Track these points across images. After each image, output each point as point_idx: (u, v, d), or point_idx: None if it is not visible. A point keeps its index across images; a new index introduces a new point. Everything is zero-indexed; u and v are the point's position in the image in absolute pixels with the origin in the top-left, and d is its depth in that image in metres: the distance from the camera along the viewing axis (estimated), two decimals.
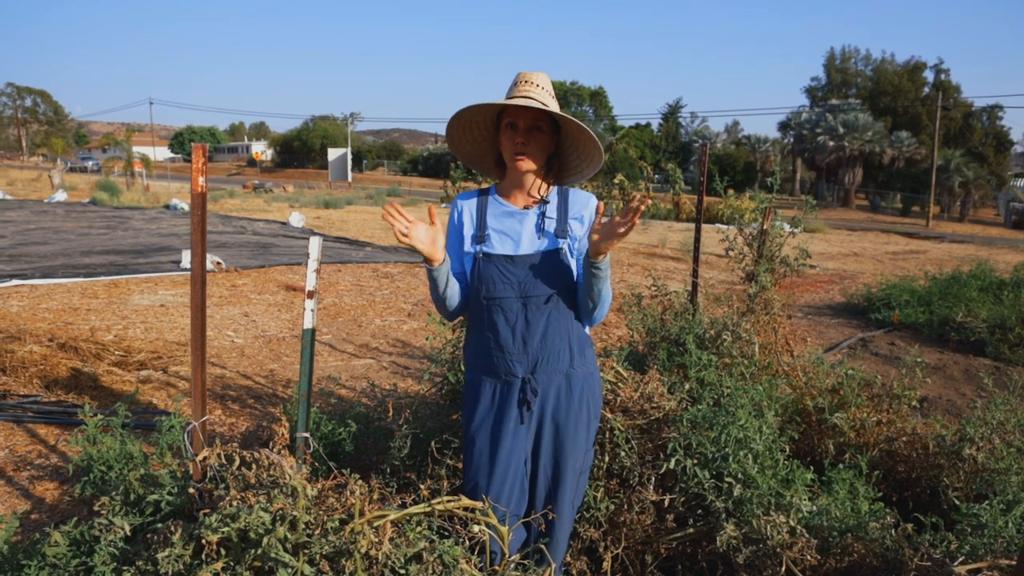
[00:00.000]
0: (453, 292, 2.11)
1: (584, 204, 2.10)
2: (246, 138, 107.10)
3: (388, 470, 2.98)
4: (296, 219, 17.78)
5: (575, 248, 2.07)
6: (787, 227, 4.31)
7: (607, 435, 2.55)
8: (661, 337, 3.68)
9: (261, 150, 76.85)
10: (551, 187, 2.12)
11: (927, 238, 26.37)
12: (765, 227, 4.04)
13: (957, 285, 8.91)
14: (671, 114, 67.18)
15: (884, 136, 47.28)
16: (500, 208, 2.10)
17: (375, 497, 1.76)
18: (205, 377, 1.93)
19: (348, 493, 1.69)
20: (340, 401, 4.33)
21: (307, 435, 2.12)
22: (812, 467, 2.85)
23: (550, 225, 2.05)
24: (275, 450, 1.90)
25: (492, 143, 2.16)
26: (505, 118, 2.03)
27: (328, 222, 19.04)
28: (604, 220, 1.88)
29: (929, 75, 55.30)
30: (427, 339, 3.25)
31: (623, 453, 2.46)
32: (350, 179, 46.87)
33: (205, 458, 1.87)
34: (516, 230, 2.06)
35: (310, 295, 2.02)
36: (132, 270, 9.46)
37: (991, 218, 45.78)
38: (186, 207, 21.89)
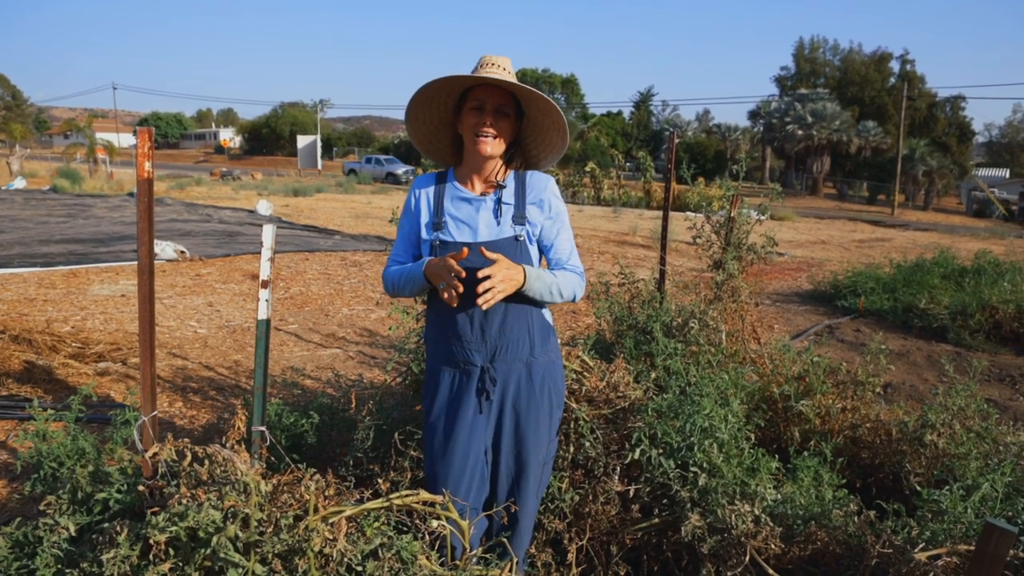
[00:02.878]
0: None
1: (543, 188, 2.05)
2: (214, 125, 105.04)
3: (351, 462, 2.92)
4: (264, 207, 17.50)
5: (534, 234, 2.03)
6: (754, 214, 4.32)
7: (572, 425, 2.52)
8: (628, 325, 3.67)
9: (229, 137, 75.52)
10: (508, 172, 2.07)
11: (892, 226, 26.83)
12: (732, 215, 4.04)
13: (921, 272, 9.06)
14: (642, 102, 67.31)
15: (852, 125, 47.95)
16: (457, 193, 2.04)
17: (331, 492, 1.71)
18: (154, 370, 1.86)
19: (303, 489, 1.63)
20: (304, 392, 4.26)
21: (263, 428, 2.06)
22: (778, 455, 2.86)
23: (507, 211, 2.00)
24: (229, 445, 1.83)
25: (449, 126, 2.10)
26: (469, 101, 1.97)
27: (297, 210, 18.77)
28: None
29: (895, 65, 56.20)
30: (390, 328, 3.19)
31: (588, 443, 2.43)
32: (320, 166, 46.31)
33: (155, 454, 1.80)
34: (473, 217, 2.01)
35: (264, 284, 1.95)
36: (93, 259, 9.22)
37: (954, 207, 46.73)
38: None
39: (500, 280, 1.80)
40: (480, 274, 1.78)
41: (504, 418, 2.02)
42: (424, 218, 2.04)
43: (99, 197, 20.94)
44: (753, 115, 54.41)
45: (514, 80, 1.94)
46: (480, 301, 1.77)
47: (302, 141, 47.25)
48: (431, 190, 2.07)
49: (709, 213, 4.13)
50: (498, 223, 1.99)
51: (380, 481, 2.75)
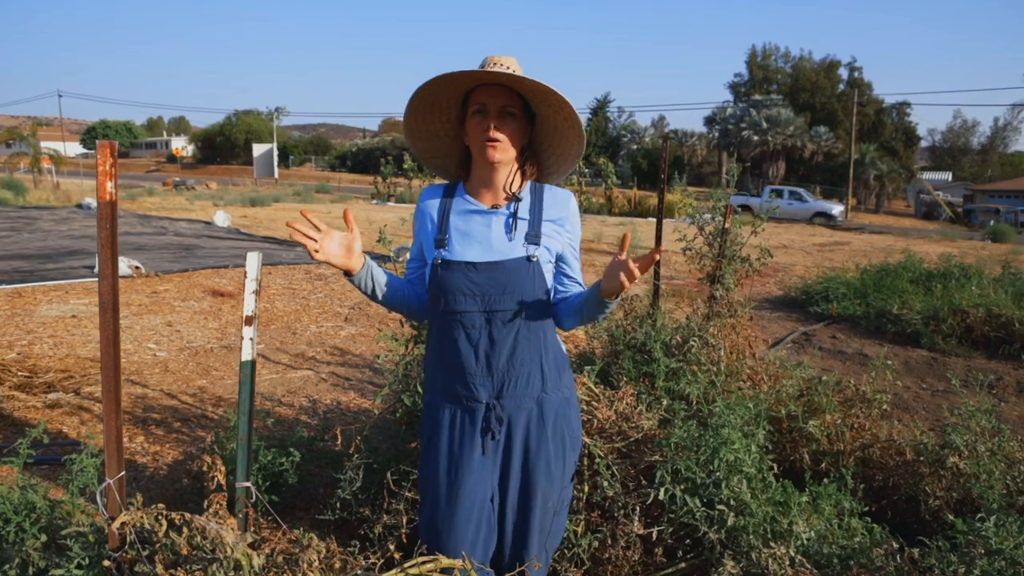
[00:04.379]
0: (399, 295, 1.85)
1: (563, 205, 1.83)
2: (165, 133, 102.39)
3: (338, 504, 2.68)
4: (221, 218, 16.95)
5: (549, 256, 1.80)
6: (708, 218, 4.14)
7: (585, 462, 2.32)
8: (626, 344, 3.49)
9: (181, 146, 73.66)
10: (524, 183, 1.84)
11: (848, 229, 27.37)
12: (726, 226, 3.90)
13: (890, 277, 9.13)
14: (599, 109, 67.72)
15: (805, 131, 49.04)
16: (465, 207, 1.81)
17: (336, 565, 1.47)
18: (120, 424, 1.60)
19: (304, 565, 1.39)
20: (278, 422, 3.97)
21: (248, 484, 1.81)
22: (790, 478, 2.71)
23: (522, 227, 1.77)
24: (212, 510, 1.58)
25: (455, 138, 1.87)
26: (472, 104, 1.75)
27: (255, 221, 18.25)
28: (621, 258, 1.60)
29: (844, 72, 57.74)
30: (379, 357, 2.94)
31: (605, 483, 2.23)
32: (276, 175, 45.42)
33: (123, 524, 1.54)
34: (482, 233, 1.76)
35: (248, 321, 1.70)
36: (39, 277, 8.70)
37: (903, 209, 48.12)
38: None
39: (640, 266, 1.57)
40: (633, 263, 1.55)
41: (512, 461, 1.78)
42: (429, 233, 1.82)
43: (45, 209, 20.06)
44: (709, 121, 55.18)
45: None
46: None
47: (258, 149, 46.24)
48: (437, 203, 1.84)
49: (702, 224, 3.98)
50: (510, 240, 1.76)
51: (378, 527, 2.52)
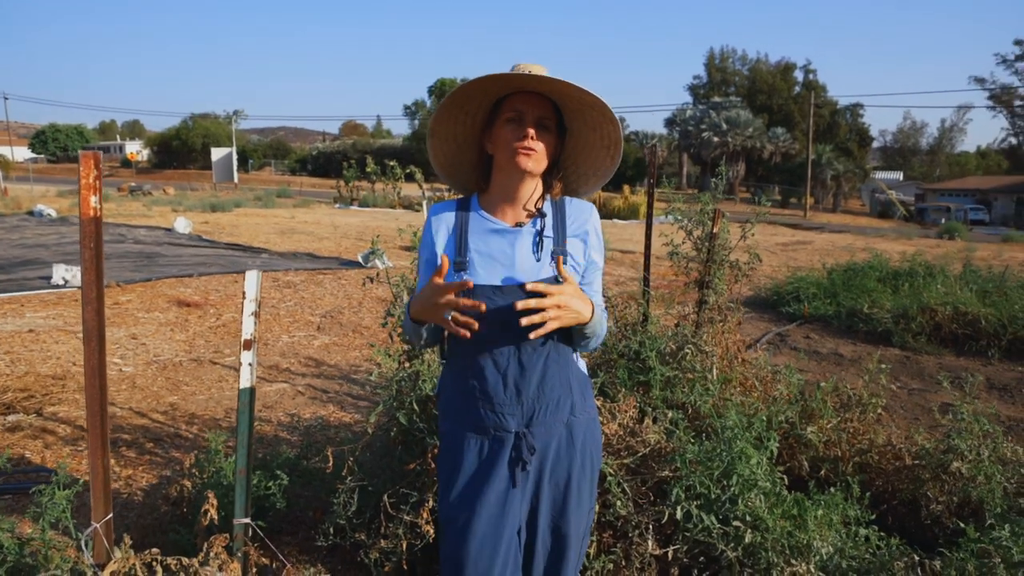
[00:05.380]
0: (437, 329, 1.73)
1: (585, 218, 1.72)
2: (119, 137, 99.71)
3: (331, 529, 2.55)
4: (182, 225, 16.47)
5: (578, 273, 1.70)
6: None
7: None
8: (619, 353, 3.42)
9: (137, 150, 71.68)
10: (545, 199, 1.73)
11: (809, 228, 27.90)
12: (715, 230, 3.86)
13: (858, 276, 9.27)
14: None
15: (763, 132, 49.91)
16: (485, 225, 1.68)
17: None
18: (108, 462, 1.46)
19: None
20: (260, 440, 3.81)
21: (247, 521, 1.67)
22: (791, 487, 2.66)
23: (547, 246, 1.66)
24: (213, 552, 1.45)
25: (474, 145, 1.74)
26: (505, 111, 1.62)
27: (218, 227, 17.80)
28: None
29: (799, 75, 59.00)
30: (371, 376, 2.82)
31: (619, 502, 2.15)
32: (236, 180, 44.52)
33: (113, 574, 1.40)
34: (507, 253, 1.65)
35: (247, 345, 1.58)
36: None
37: (858, 208, 49.40)
38: (53, 213, 19.88)
39: (565, 306, 1.49)
40: (540, 292, 1.47)
41: (542, 491, 1.69)
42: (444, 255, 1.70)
43: None
44: (670, 123, 55.85)
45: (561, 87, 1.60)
46: (527, 323, 1.46)
47: (216, 154, 45.20)
48: (451, 220, 1.70)
49: (690, 229, 3.93)
50: (537, 260, 1.65)
51: (370, 552, 2.41)
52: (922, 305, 7.57)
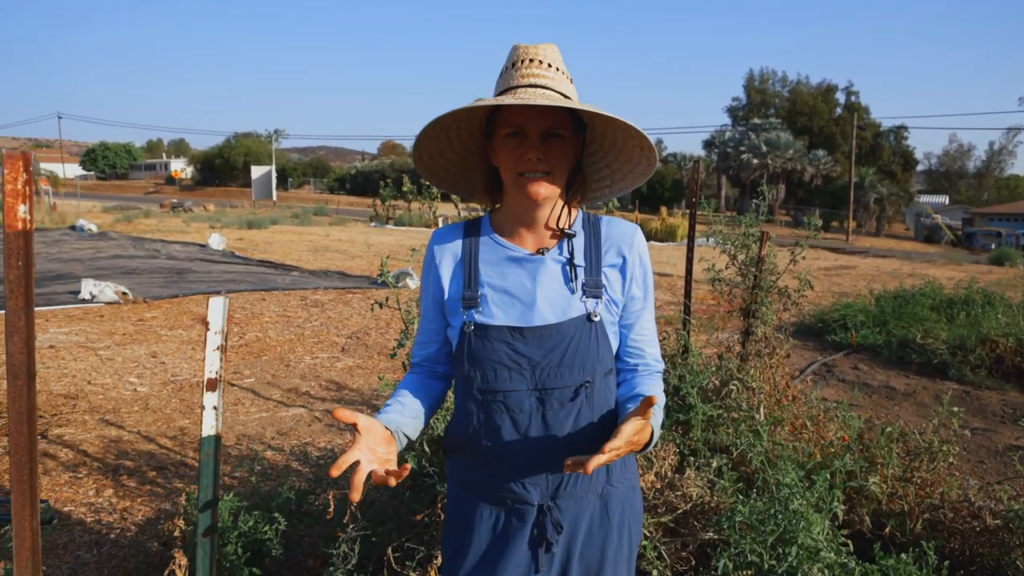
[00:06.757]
0: (430, 411, 1.45)
1: (629, 242, 1.40)
2: (164, 155, 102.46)
3: None
4: (216, 241, 16.57)
5: (614, 312, 1.38)
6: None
7: None
8: None
9: (181, 167, 73.59)
10: (575, 213, 1.42)
11: (852, 253, 27.10)
12: (763, 254, 3.54)
13: (909, 304, 8.78)
14: None
15: (804, 154, 49.04)
16: (500, 253, 1.37)
17: None
18: (37, 524, 1.21)
19: None
20: (266, 473, 3.56)
21: None
22: (849, 543, 2.31)
23: (579, 276, 1.35)
24: None
25: (478, 153, 1.42)
26: (503, 125, 1.30)
27: (251, 244, 17.89)
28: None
29: (840, 97, 58.01)
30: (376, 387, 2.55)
31: (655, 572, 1.84)
32: (275, 197, 45.23)
33: None
34: (525, 287, 1.34)
35: (211, 386, 1.32)
36: None
37: (902, 232, 48.06)
38: (94, 228, 20.27)
39: (622, 451, 1.16)
40: (606, 448, 1.13)
41: (570, 573, 1.36)
42: (450, 290, 1.38)
43: (39, 231, 19.69)
44: (708, 144, 55.25)
45: (562, 84, 1.30)
46: (584, 465, 1.11)
47: (256, 172, 46.04)
48: (458, 248, 1.40)
49: (734, 252, 3.62)
50: (565, 294, 1.34)
51: None
52: (981, 336, 7.07)
